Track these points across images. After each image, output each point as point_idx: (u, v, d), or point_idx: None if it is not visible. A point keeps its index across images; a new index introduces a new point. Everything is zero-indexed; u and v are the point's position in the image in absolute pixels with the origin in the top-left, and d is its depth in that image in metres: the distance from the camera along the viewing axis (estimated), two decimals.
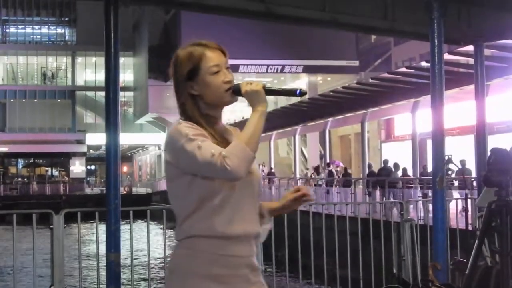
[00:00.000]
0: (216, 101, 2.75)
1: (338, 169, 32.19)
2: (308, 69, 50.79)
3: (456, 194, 15.09)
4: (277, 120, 34.07)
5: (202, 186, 2.64)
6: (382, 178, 21.03)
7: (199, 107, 2.75)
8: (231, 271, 2.67)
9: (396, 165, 22.92)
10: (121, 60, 58.54)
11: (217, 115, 2.80)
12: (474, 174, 16.16)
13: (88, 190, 60.70)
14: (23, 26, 69.70)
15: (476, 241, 3.45)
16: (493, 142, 4.02)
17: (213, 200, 2.65)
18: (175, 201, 2.76)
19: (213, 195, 2.65)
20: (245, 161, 2.56)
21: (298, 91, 2.70)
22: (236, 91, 2.72)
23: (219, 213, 2.66)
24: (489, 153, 3.35)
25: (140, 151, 72.50)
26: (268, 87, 2.69)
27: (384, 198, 19.41)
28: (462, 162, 17.66)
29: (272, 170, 37.29)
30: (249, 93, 2.67)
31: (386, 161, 25.45)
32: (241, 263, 2.70)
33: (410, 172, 24.18)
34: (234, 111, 54.64)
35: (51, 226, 5.68)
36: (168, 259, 2.78)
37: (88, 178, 69.32)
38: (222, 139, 2.71)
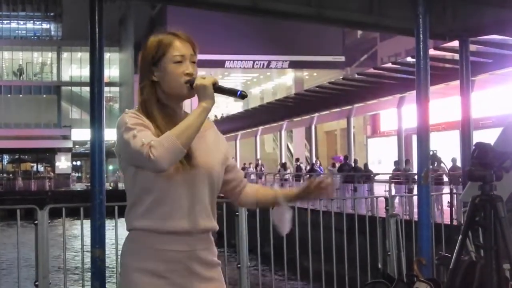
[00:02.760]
0: (172, 91, 2.72)
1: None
2: (294, 65, 50.88)
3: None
4: (263, 116, 34.06)
5: (143, 178, 2.63)
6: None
7: (157, 94, 2.74)
8: (169, 265, 2.66)
9: (407, 161, 23.38)
10: (107, 55, 58.52)
11: (175, 107, 2.77)
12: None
13: (73, 186, 60.48)
14: (8, 21, 69.25)
15: (460, 236, 3.46)
16: (479, 137, 4.03)
17: (152, 194, 2.65)
18: (126, 191, 2.75)
19: (152, 188, 2.64)
20: (171, 153, 2.51)
21: (238, 92, 2.69)
22: (190, 84, 2.69)
23: (157, 207, 2.65)
24: (473, 148, 3.35)
25: None
26: (218, 85, 2.65)
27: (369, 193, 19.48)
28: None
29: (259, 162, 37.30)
30: (198, 86, 2.64)
31: (346, 157, 25.94)
32: (182, 257, 2.67)
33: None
34: (219, 106, 54.63)
35: (36, 222, 5.64)
36: None
37: (74, 174, 68.98)
38: None
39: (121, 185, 59.75)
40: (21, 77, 65.66)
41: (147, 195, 2.65)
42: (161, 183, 2.63)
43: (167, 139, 2.52)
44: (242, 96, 2.68)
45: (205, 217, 2.73)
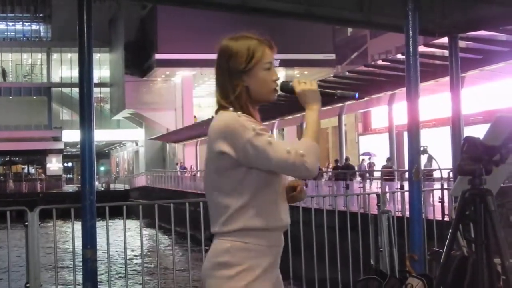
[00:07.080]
0: (261, 96, 2.80)
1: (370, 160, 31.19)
2: (285, 63, 50.76)
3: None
4: None
5: (258, 179, 2.67)
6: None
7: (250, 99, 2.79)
8: (274, 260, 2.78)
9: (388, 159, 23.66)
10: (97, 56, 58.45)
11: (256, 110, 2.85)
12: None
13: (64, 187, 60.37)
14: None
15: (450, 230, 3.46)
16: (469, 133, 4.04)
17: (268, 193, 2.71)
18: (223, 193, 2.71)
19: (268, 188, 2.70)
20: (318, 159, 2.61)
21: (356, 95, 2.78)
22: (284, 90, 2.79)
23: (273, 206, 2.72)
24: (462, 142, 3.34)
25: (117, 147, 72.16)
26: (322, 89, 2.76)
27: (362, 190, 19.53)
28: None
29: None
30: (306, 92, 2.73)
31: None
32: (280, 251, 2.82)
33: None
34: (211, 106, 54.59)
35: (26, 224, 5.62)
36: (215, 252, 2.73)
37: (65, 175, 68.83)
38: None
39: (113, 186, 59.72)
40: (5, 78, 65.30)
41: (261, 195, 2.69)
42: (275, 183, 2.72)
43: (312, 146, 2.61)
44: (359, 98, 2.83)
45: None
